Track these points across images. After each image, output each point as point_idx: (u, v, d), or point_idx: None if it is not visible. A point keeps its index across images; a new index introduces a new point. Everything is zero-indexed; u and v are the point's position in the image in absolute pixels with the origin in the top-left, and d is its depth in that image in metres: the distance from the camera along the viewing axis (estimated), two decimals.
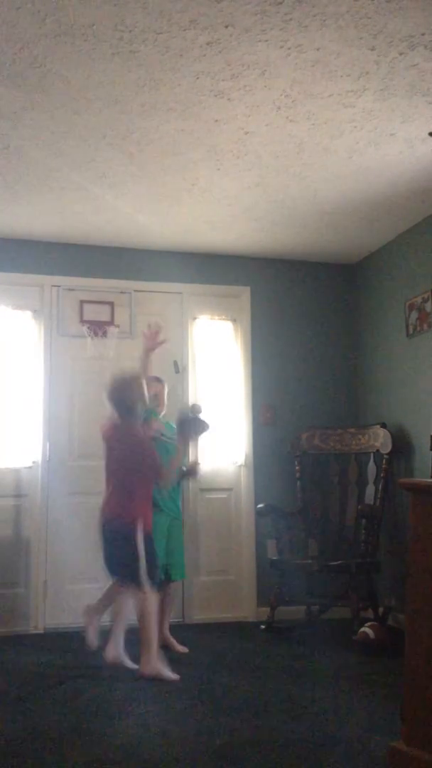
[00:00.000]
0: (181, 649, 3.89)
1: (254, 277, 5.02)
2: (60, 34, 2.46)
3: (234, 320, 4.98)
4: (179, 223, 4.37)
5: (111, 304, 4.73)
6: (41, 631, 4.36)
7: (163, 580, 3.76)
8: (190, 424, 3.62)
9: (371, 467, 4.54)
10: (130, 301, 4.77)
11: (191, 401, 4.78)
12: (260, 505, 4.51)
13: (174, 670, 3.46)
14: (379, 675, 3.46)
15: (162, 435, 3.82)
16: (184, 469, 4.00)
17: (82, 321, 4.66)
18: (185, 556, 4.11)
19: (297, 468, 4.75)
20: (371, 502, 4.38)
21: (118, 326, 4.70)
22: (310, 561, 4.36)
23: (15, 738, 2.69)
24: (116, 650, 3.53)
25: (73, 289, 4.70)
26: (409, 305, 4.38)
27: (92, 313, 4.68)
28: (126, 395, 3.51)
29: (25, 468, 4.49)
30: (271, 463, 4.86)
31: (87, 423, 4.56)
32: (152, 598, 3.38)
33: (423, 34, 2.46)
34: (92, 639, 3.61)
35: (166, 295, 4.87)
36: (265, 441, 4.87)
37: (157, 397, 3.90)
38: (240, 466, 4.84)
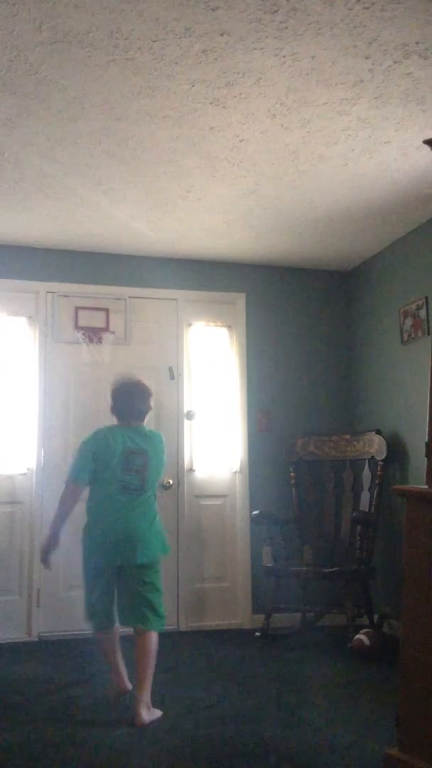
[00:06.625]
0: None
1: (249, 284, 5.03)
2: (56, 42, 2.47)
3: (229, 327, 4.98)
4: (174, 230, 4.37)
5: (106, 310, 4.73)
6: (35, 639, 4.34)
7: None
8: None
9: (366, 474, 4.54)
10: (125, 307, 4.77)
11: (186, 407, 4.79)
12: (255, 512, 4.50)
13: (168, 678, 3.44)
14: (374, 682, 3.45)
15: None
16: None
17: (77, 327, 4.65)
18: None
19: (292, 474, 4.75)
20: (366, 509, 4.38)
21: (113, 332, 4.69)
22: (305, 568, 4.36)
23: (8, 747, 2.68)
24: None
25: (68, 296, 4.70)
26: (404, 312, 4.39)
27: (87, 319, 4.68)
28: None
29: (20, 475, 4.48)
30: (266, 469, 4.86)
31: (82, 429, 4.54)
32: None
33: (417, 43, 2.48)
34: None
35: (161, 302, 4.87)
36: (260, 447, 4.87)
37: None
38: (235, 472, 4.84)
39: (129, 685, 3.14)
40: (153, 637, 3.03)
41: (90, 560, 3.10)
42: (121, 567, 3.07)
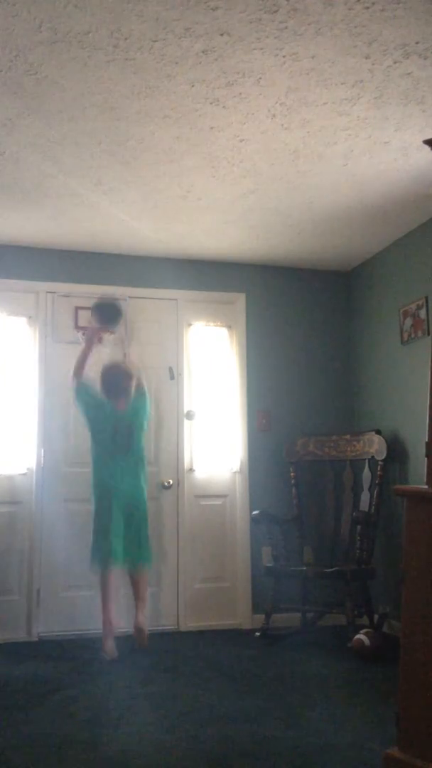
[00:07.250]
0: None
1: (249, 284, 5.04)
2: (56, 42, 2.47)
3: (229, 327, 4.98)
4: (174, 230, 4.37)
5: None
6: (35, 639, 4.34)
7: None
8: (103, 311, 4.19)
9: (366, 474, 4.54)
10: (125, 307, 4.76)
11: (186, 407, 4.79)
12: (255, 512, 4.50)
13: (168, 678, 3.44)
14: (374, 682, 3.45)
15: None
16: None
17: (77, 327, 4.65)
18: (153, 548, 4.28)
19: (292, 474, 4.75)
20: (366, 509, 4.38)
21: (113, 333, 4.69)
22: (305, 568, 4.36)
23: (8, 747, 2.68)
24: None
25: (68, 296, 4.70)
26: (404, 312, 4.39)
27: (87, 319, 4.68)
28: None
29: (20, 475, 4.48)
30: (266, 469, 4.86)
31: (81, 429, 4.55)
32: None
33: (417, 43, 2.48)
34: None
35: (161, 302, 4.87)
36: (260, 447, 4.87)
37: None
38: (235, 472, 4.84)
39: (113, 633, 3.86)
40: (146, 572, 4.05)
41: (101, 505, 3.91)
42: (128, 513, 3.94)
